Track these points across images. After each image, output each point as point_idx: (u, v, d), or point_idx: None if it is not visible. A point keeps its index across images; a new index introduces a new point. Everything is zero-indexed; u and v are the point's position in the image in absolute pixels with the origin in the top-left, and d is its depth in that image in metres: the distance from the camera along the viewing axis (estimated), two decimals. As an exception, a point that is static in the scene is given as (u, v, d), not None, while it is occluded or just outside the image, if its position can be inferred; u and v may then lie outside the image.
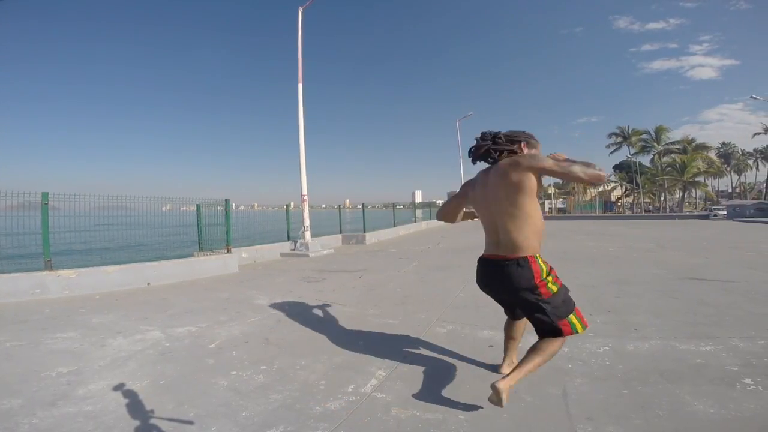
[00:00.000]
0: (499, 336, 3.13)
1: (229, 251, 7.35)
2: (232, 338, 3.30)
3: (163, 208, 6.95)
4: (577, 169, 1.75)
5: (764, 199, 34.35)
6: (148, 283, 5.77)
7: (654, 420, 1.85)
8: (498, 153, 2.00)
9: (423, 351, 2.90)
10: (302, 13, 10.17)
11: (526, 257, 1.86)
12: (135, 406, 2.17)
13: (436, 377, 2.44)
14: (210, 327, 3.63)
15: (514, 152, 2.00)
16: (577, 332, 1.89)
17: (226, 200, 7.63)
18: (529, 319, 1.98)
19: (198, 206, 7.39)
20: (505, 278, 1.90)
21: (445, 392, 2.21)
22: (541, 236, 1.92)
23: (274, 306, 4.39)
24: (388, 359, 2.74)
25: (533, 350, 1.88)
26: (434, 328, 3.41)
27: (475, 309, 3.98)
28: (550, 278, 1.87)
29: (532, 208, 1.86)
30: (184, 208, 7.42)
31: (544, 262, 1.90)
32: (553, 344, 1.88)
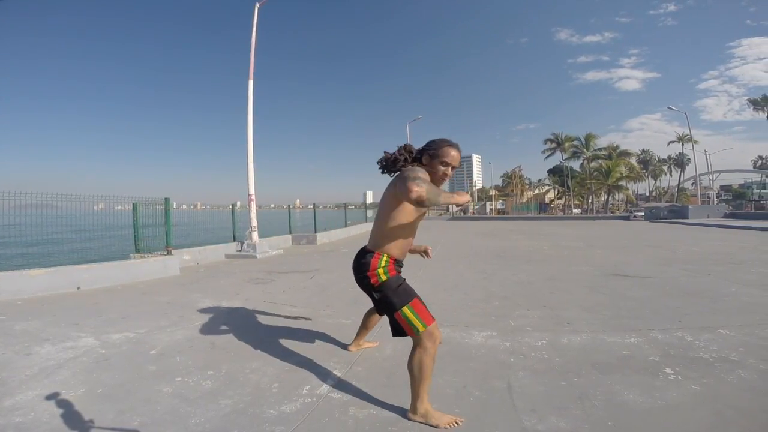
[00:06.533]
0: (448, 334, 3.27)
1: (169, 253, 6.95)
2: (174, 343, 3.14)
3: (96, 207, 6.40)
4: (441, 199, 1.73)
5: (676, 202, 38.39)
6: (78, 288, 5.32)
7: (591, 410, 2.02)
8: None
9: (376, 350, 2.96)
10: (258, 9, 9.79)
11: (374, 252, 2.04)
12: (71, 416, 2.02)
13: (391, 375, 2.50)
14: (150, 332, 3.43)
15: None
16: (414, 327, 1.90)
17: (165, 199, 7.22)
18: (378, 312, 2.31)
19: (135, 205, 6.89)
20: (354, 265, 2.13)
21: (400, 389, 2.26)
22: (394, 241, 2.04)
23: (220, 309, 4.24)
24: (342, 359, 2.77)
25: (410, 375, 1.94)
26: (386, 327, 3.46)
27: (424, 308, 4.09)
28: (381, 270, 2.00)
29: (394, 215, 1.98)
30: (119, 208, 6.89)
31: (387, 262, 2.03)
32: (414, 358, 1.92)
